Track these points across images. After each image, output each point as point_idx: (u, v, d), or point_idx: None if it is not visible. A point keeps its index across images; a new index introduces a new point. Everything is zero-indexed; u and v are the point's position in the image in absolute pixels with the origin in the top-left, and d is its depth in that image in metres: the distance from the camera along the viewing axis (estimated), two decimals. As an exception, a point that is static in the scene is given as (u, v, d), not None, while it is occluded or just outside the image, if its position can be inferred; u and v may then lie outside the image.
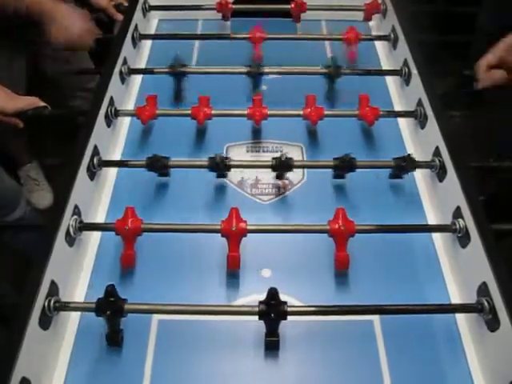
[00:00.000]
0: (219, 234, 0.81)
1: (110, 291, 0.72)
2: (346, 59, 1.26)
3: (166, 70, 1.15)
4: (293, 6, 1.31)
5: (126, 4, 1.39)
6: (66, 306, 0.74)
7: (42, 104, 1.04)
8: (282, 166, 0.93)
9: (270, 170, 0.93)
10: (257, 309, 0.72)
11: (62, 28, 1.23)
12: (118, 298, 0.73)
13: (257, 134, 1.09)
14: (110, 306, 0.72)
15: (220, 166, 0.92)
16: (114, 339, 0.74)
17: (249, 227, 0.81)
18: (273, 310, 0.71)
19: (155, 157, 0.93)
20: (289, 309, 0.72)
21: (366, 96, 1.05)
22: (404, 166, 0.93)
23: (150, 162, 0.93)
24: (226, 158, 0.93)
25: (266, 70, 1.13)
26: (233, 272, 0.85)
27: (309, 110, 1.03)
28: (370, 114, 1.04)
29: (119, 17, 1.38)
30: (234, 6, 1.32)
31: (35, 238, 0.81)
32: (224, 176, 0.97)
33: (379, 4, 1.32)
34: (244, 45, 1.24)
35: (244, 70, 1.13)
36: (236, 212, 0.82)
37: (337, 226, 0.81)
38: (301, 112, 1.03)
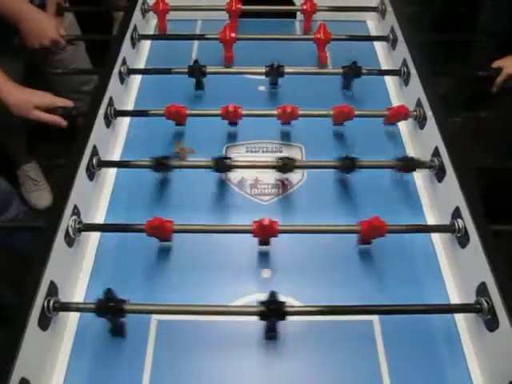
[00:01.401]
0: (222, 235, 0.82)
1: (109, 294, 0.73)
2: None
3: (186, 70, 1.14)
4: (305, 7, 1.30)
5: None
6: (66, 307, 0.75)
7: (71, 104, 1.07)
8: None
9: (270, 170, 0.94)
10: (257, 309, 0.72)
11: (32, 31, 1.26)
12: (118, 300, 0.73)
13: (256, 135, 1.09)
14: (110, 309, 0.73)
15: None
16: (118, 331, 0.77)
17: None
18: (272, 311, 0.72)
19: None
20: (288, 309, 0.73)
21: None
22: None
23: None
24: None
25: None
26: (233, 272, 0.85)
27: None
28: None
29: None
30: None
31: (34, 239, 0.81)
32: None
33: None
34: (244, 45, 1.24)
35: (262, 70, 1.13)
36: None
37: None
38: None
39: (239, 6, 1.30)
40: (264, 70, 1.13)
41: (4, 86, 1.05)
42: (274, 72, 1.13)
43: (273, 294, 0.73)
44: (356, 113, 1.03)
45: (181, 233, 0.84)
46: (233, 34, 1.21)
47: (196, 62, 1.14)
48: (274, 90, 1.20)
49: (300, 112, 1.02)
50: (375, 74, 1.16)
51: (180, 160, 0.99)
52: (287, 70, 1.13)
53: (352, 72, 1.14)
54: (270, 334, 0.76)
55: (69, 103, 1.07)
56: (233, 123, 1.05)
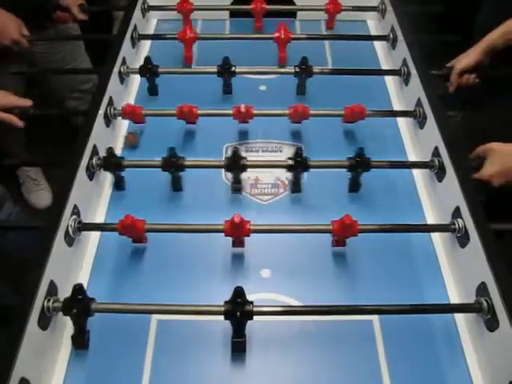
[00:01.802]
0: (221, 234, 0.82)
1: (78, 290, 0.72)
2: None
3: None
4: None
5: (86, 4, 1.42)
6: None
7: (29, 103, 1.05)
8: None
9: (270, 170, 0.94)
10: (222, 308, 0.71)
11: None
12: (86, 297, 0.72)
13: (256, 134, 1.09)
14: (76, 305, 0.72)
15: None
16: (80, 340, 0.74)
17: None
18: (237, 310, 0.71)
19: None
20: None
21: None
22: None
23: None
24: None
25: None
26: (233, 272, 0.85)
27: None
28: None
29: (82, 17, 1.40)
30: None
31: (33, 239, 0.80)
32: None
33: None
34: (244, 45, 1.24)
35: (214, 69, 1.12)
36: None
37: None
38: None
39: (264, 5, 1.31)
40: (216, 70, 1.13)
41: None
42: (226, 72, 1.13)
43: (240, 290, 0.72)
44: (311, 112, 1.03)
45: (152, 232, 0.84)
46: (191, 34, 1.21)
47: (147, 60, 1.13)
48: (274, 90, 1.19)
49: (255, 112, 1.02)
50: (327, 74, 1.15)
51: (125, 145, 1.07)
52: (239, 69, 1.13)
53: (303, 72, 1.12)
54: (237, 340, 0.74)
55: (28, 103, 1.05)
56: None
